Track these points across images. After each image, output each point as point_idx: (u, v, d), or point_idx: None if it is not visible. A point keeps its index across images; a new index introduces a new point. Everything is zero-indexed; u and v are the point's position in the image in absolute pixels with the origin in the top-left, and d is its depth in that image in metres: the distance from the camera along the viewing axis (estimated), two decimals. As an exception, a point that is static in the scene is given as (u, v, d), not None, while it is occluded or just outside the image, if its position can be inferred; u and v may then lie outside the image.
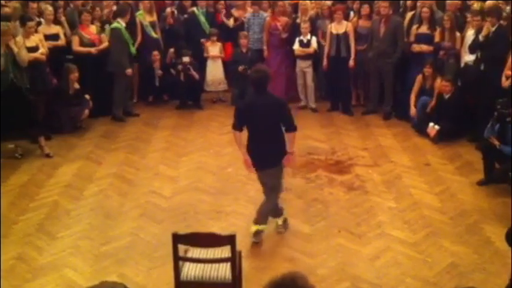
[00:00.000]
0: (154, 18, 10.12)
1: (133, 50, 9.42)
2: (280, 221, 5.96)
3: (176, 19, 10.40)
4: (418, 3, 9.45)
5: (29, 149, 8.10)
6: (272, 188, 5.75)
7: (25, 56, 7.86)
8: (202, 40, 10.24)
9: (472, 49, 8.32)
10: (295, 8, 10.51)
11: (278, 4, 10.13)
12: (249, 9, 10.57)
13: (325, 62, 9.58)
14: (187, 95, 10.01)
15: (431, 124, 8.42)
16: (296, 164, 5.47)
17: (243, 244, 5.49)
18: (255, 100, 5.54)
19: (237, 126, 5.54)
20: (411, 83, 9.01)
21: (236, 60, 9.97)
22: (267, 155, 5.55)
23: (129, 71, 9.22)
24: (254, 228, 5.76)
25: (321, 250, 5.67)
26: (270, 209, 5.83)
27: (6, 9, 8.71)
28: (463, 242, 5.78)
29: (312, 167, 7.58)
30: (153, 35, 9.97)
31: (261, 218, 5.79)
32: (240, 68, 9.77)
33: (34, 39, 8.35)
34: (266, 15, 10.23)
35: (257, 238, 5.76)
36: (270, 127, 5.51)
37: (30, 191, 7.02)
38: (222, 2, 10.58)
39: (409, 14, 9.63)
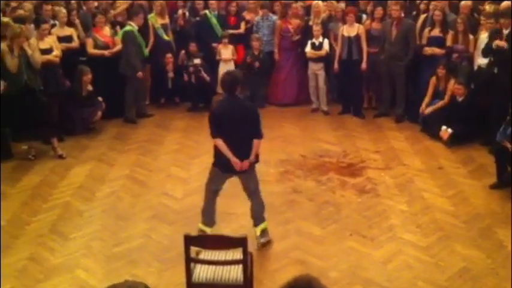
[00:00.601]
0: (166, 20, 10.16)
1: (146, 52, 9.47)
2: (258, 232, 5.81)
3: (187, 21, 10.44)
4: (431, 6, 9.41)
5: (42, 150, 8.16)
6: (254, 191, 5.75)
7: (39, 58, 7.93)
8: (214, 44, 10.26)
9: (485, 54, 8.27)
10: (307, 10, 10.50)
11: (291, 6, 10.13)
12: (260, 12, 10.58)
13: (336, 65, 9.57)
14: (198, 97, 10.03)
15: (444, 127, 8.38)
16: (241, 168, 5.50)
17: (254, 246, 5.51)
18: (229, 104, 5.46)
19: (216, 134, 5.43)
20: (423, 86, 8.97)
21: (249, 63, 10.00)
22: (242, 159, 5.49)
23: (140, 73, 9.25)
24: (258, 230, 5.79)
25: (333, 253, 5.66)
26: (261, 207, 5.84)
27: (20, 12, 8.77)
28: (476, 246, 5.74)
29: (323, 170, 7.57)
30: (165, 37, 10.01)
31: (258, 218, 5.82)
32: (248, 58, 9.80)
33: (48, 41, 8.42)
34: (275, 18, 10.25)
35: (264, 238, 5.79)
36: (244, 131, 5.45)
37: (43, 191, 7.07)
38: (234, 4, 10.59)
39: (421, 17, 9.59)
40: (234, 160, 5.44)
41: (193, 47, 9.96)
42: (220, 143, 5.43)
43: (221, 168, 5.61)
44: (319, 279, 2.32)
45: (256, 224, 5.83)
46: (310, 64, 9.80)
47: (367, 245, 5.78)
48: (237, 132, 5.41)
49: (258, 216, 5.83)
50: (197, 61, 9.84)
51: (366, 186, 7.10)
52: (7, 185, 7.20)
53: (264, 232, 5.82)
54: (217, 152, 5.56)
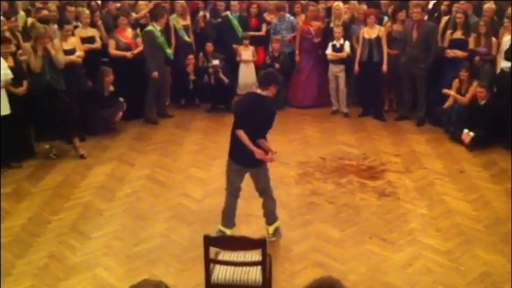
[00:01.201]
0: (188, 21, 10.21)
1: (169, 52, 9.51)
2: (271, 230, 5.87)
3: (208, 23, 10.48)
4: (454, 8, 9.33)
5: (63, 150, 8.24)
6: (265, 189, 5.76)
7: (62, 59, 8.03)
8: (235, 46, 10.28)
9: (508, 57, 8.17)
10: (328, 12, 10.47)
11: (309, 9, 10.11)
12: (277, 14, 10.59)
13: (356, 67, 9.53)
14: (218, 98, 10.06)
15: (465, 131, 8.30)
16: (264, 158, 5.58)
17: (273, 248, 5.50)
18: (254, 100, 5.52)
19: (240, 126, 5.45)
20: (445, 88, 8.89)
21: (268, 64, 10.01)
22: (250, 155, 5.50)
23: (154, 74, 9.29)
24: (271, 228, 5.83)
25: (352, 256, 5.63)
26: (273, 205, 5.85)
27: (45, 12, 8.88)
28: (497, 251, 5.67)
29: (343, 172, 7.54)
30: (186, 38, 10.05)
31: (270, 217, 5.85)
32: (268, 59, 9.85)
33: (71, 42, 8.51)
34: (292, 18, 10.24)
35: (276, 237, 5.83)
36: (259, 128, 5.50)
37: (64, 191, 7.14)
38: (255, 5, 10.61)
39: (444, 19, 9.52)
40: (257, 152, 5.43)
41: (209, 47, 9.98)
42: (242, 134, 5.43)
43: (235, 159, 5.61)
44: (341, 282, 2.31)
45: (269, 223, 5.86)
46: (330, 66, 9.78)
47: (387, 249, 5.75)
48: (254, 128, 5.43)
49: (270, 215, 5.85)
50: (216, 62, 9.87)
51: (386, 189, 7.06)
52: (30, 184, 7.31)
53: (276, 231, 5.86)
54: (233, 144, 5.57)
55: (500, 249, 5.69)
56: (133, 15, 9.98)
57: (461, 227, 6.15)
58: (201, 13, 10.51)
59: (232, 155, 5.65)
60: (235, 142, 5.54)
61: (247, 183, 5.84)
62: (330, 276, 2.35)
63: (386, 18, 9.96)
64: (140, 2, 10.11)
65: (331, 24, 9.98)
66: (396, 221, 6.29)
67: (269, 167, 5.75)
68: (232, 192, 5.79)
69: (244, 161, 5.56)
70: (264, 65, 9.78)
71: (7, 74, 7.34)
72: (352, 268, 5.43)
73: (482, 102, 8.29)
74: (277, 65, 9.72)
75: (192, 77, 10.00)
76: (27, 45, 7.84)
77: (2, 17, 8.03)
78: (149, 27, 9.36)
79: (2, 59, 7.31)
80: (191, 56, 9.93)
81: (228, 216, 5.85)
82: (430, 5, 10.43)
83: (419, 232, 6.05)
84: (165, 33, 9.47)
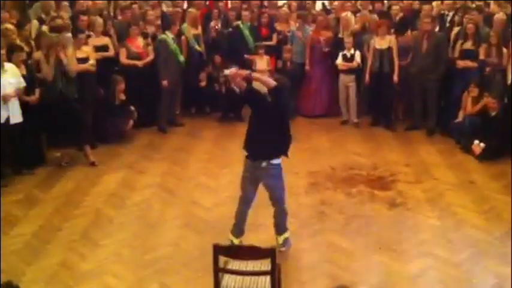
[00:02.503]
0: (199, 31, 10.26)
1: (181, 59, 9.56)
2: (280, 240, 5.87)
3: (219, 33, 10.53)
4: (464, 19, 9.32)
5: (74, 158, 8.28)
6: (279, 198, 5.75)
7: (74, 67, 8.09)
8: (246, 56, 10.32)
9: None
10: (338, 22, 10.47)
11: (318, 19, 10.13)
12: (292, 23, 10.61)
13: (367, 77, 9.52)
14: (228, 107, 10.09)
15: (476, 141, 8.26)
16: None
17: (282, 258, 5.49)
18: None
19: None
20: (455, 99, 8.88)
21: (279, 72, 10.05)
22: (261, 153, 5.51)
23: (164, 83, 9.34)
24: (281, 238, 5.83)
25: (362, 267, 5.61)
26: (285, 216, 5.85)
27: (59, 21, 8.96)
28: (509, 263, 5.60)
29: (353, 182, 7.52)
30: (197, 48, 10.09)
31: (281, 227, 5.85)
32: (280, 63, 10.14)
33: (84, 51, 8.58)
34: (311, 29, 10.26)
35: (286, 247, 5.82)
36: (271, 128, 5.47)
37: (75, 198, 7.17)
38: (266, 15, 10.65)
39: (455, 30, 9.51)
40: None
41: (218, 59, 10.05)
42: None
43: (249, 152, 5.58)
44: None
45: (279, 233, 5.85)
46: (341, 76, 9.78)
47: (397, 260, 5.72)
48: (264, 128, 5.43)
49: (281, 225, 5.85)
50: (227, 72, 9.88)
51: (396, 199, 7.03)
52: (41, 191, 7.35)
53: (286, 241, 5.85)
54: (247, 137, 5.58)
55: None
56: (142, 24, 10.02)
57: (472, 238, 6.11)
58: (212, 23, 10.57)
59: (248, 149, 5.60)
60: (253, 133, 5.53)
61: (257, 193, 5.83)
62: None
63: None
64: (150, 12, 10.18)
65: (340, 34, 10.00)
66: (407, 232, 6.26)
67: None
68: (245, 200, 5.79)
69: (260, 152, 5.51)
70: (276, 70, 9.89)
71: (20, 83, 7.41)
72: (361, 279, 5.40)
73: (493, 113, 8.26)
74: (288, 64, 9.90)
75: (203, 83, 10.04)
76: (38, 53, 7.92)
77: (10, 26, 8.10)
78: (162, 36, 9.43)
79: (15, 67, 7.38)
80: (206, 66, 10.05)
81: (238, 224, 5.85)
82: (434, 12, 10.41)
83: (430, 243, 6.02)
84: (177, 40, 9.53)
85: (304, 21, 10.31)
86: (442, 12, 10.38)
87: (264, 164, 5.50)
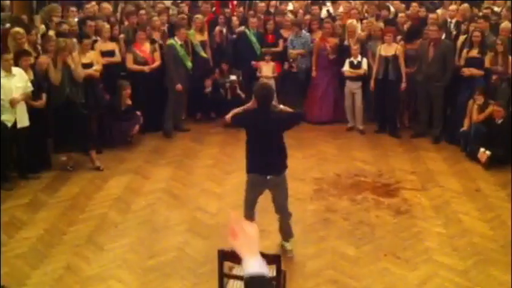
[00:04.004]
0: (205, 37, 10.29)
1: (189, 64, 9.59)
2: (289, 246, 5.91)
3: (225, 38, 10.55)
4: (470, 27, 9.32)
5: (80, 162, 8.31)
6: (283, 205, 5.76)
7: (81, 72, 8.13)
8: (253, 62, 10.34)
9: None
10: (344, 29, 10.48)
11: (325, 26, 10.16)
12: (293, 30, 10.64)
13: (372, 84, 9.52)
14: (234, 113, 10.09)
15: (482, 149, 8.24)
16: None
17: (287, 264, 5.48)
18: (260, 117, 5.48)
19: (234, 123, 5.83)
20: (461, 107, 8.87)
21: (285, 79, 10.09)
22: (269, 168, 5.54)
23: (178, 86, 9.38)
24: (288, 245, 5.89)
25: (367, 274, 5.60)
26: (289, 221, 5.88)
27: (66, 26, 9.01)
28: (514, 271, 5.61)
29: (358, 189, 7.52)
30: (203, 54, 10.12)
31: (287, 233, 5.90)
32: (286, 66, 9.99)
33: (90, 56, 8.62)
34: (308, 35, 10.29)
35: (291, 252, 5.87)
36: (272, 142, 5.53)
37: (80, 202, 7.19)
38: (272, 21, 10.67)
39: (461, 38, 9.51)
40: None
41: (224, 66, 10.09)
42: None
43: (252, 168, 5.60)
44: None
45: (286, 239, 5.87)
46: (347, 83, 9.78)
47: (402, 267, 5.71)
48: (265, 142, 5.47)
49: (287, 231, 5.87)
50: (233, 77, 9.95)
51: (401, 207, 7.02)
52: (46, 195, 7.37)
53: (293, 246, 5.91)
54: (248, 155, 5.61)
55: (517, 270, 5.63)
56: (149, 29, 10.05)
57: (477, 246, 6.09)
58: (217, 28, 10.60)
59: (249, 166, 5.64)
60: (252, 152, 5.58)
61: (261, 197, 5.83)
62: None
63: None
64: (155, 18, 10.22)
65: (346, 42, 10.01)
66: (411, 239, 6.25)
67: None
68: (248, 205, 5.80)
69: (263, 168, 5.55)
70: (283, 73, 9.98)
71: (27, 87, 7.45)
72: (366, 286, 5.39)
73: (499, 121, 8.24)
74: (286, 66, 9.91)
75: (208, 89, 10.06)
76: (44, 58, 7.95)
77: (21, 30, 8.15)
78: (170, 41, 9.48)
79: (23, 72, 7.42)
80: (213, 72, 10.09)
81: None
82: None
83: (435, 251, 6.01)
84: (185, 46, 9.57)
85: (300, 27, 10.34)
86: (446, 20, 10.38)
87: (269, 177, 5.57)
